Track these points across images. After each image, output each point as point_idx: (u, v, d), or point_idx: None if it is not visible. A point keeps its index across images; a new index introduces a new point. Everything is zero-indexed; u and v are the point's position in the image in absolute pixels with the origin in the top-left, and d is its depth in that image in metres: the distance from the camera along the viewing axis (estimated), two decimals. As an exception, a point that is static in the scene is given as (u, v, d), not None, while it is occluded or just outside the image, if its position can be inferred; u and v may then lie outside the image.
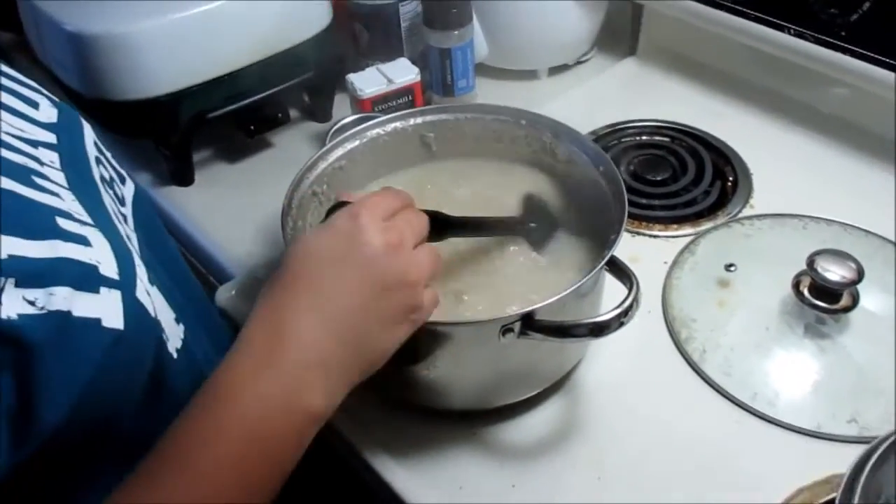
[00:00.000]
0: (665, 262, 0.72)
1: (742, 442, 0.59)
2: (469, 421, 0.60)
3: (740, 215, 0.76)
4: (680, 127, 0.87)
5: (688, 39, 0.93)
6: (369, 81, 0.82)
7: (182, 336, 0.48)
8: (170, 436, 0.39)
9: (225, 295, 0.70)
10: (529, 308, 0.51)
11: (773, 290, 0.67)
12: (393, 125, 0.69)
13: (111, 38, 0.75)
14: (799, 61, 0.80)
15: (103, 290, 0.38)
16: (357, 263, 0.45)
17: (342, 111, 0.92)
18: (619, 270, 0.55)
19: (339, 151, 0.66)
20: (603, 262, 0.54)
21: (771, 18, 0.79)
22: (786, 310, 0.65)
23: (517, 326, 0.52)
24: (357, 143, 0.67)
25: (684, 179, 0.80)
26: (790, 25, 0.78)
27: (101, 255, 0.39)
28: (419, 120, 0.69)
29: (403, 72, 0.83)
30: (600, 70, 0.98)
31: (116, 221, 0.46)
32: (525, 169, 0.70)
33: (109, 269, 0.40)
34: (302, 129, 0.94)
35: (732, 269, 0.69)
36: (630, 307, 0.51)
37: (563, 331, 0.52)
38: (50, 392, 0.36)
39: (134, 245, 0.48)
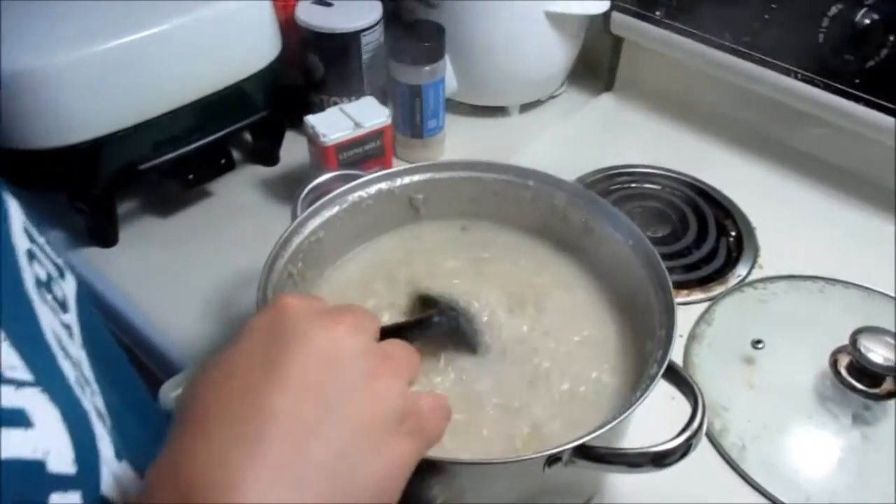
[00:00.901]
0: (681, 336, 0.64)
1: (798, 557, 0.51)
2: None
3: (751, 277, 0.69)
4: (670, 173, 0.80)
5: (671, 76, 0.87)
6: (333, 125, 0.70)
7: None
8: None
9: (172, 394, 0.57)
10: (581, 440, 0.41)
11: (806, 368, 0.60)
12: (377, 187, 0.58)
13: (16, 76, 0.60)
14: (801, 106, 0.74)
15: (55, 497, 0.26)
16: (291, 360, 0.31)
17: (292, 153, 0.81)
18: (678, 378, 0.46)
19: (316, 221, 0.55)
20: (661, 371, 0.45)
21: (774, 61, 0.73)
22: (826, 394, 0.58)
23: (566, 455, 0.42)
24: (336, 209, 0.56)
25: (687, 237, 0.73)
26: (797, 70, 0.72)
27: (48, 439, 0.27)
28: (407, 180, 0.59)
29: (371, 113, 0.72)
30: (575, 107, 0.90)
31: (61, 354, 0.33)
32: (530, 236, 0.60)
33: (62, 458, 0.27)
34: (245, 175, 0.81)
35: (760, 346, 0.62)
36: (698, 429, 0.43)
37: (618, 459, 0.43)
38: None
39: (86, 374, 0.35)
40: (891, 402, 0.57)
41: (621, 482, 0.54)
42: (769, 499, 0.54)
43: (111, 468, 0.30)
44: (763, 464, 0.55)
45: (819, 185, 0.78)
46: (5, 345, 0.29)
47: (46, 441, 0.27)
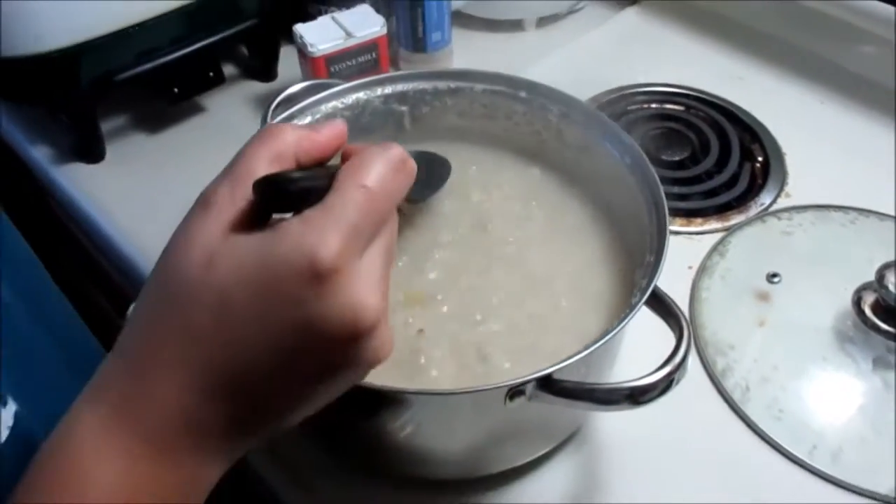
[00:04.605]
0: (690, 267, 0.59)
1: (799, 508, 0.47)
2: (458, 490, 0.47)
3: (775, 206, 0.63)
4: (696, 93, 0.73)
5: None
6: (322, 34, 0.65)
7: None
8: None
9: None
10: (545, 371, 0.37)
11: (825, 306, 0.54)
12: (354, 96, 0.53)
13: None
14: (851, 19, 0.66)
15: None
16: (307, 341, 0.29)
17: (290, 68, 0.76)
18: (662, 307, 0.41)
19: (285, 133, 0.51)
20: (644, 298, 0.40)
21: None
22: (846, 336, 0.53)
23: (529, 389, 0.38)
24: (308, 120, 0.52)
25: (707, 161, 0.66)
26: (843, -27, 0.64)
27: None
28: (388, 89, 0.54)
29: (365, 22, 0.67)
30: (597, 22, 0.83)
31: None
32: (522, 155, 0.55)
33: None
34: (241, 91, 0.77)
35: (776, 280, 0.56)
36: (681, 363, 0.38)
37: (590, 395, 0.38)
38: None
39: None
40: (919, 346, 0.52)
41: (608, 423, 0.50)
42: (772, 446, 0.49)
43: None
44: (768, 409, 0.50)
45: (862, 109, 0.70)
46: None
47: None
